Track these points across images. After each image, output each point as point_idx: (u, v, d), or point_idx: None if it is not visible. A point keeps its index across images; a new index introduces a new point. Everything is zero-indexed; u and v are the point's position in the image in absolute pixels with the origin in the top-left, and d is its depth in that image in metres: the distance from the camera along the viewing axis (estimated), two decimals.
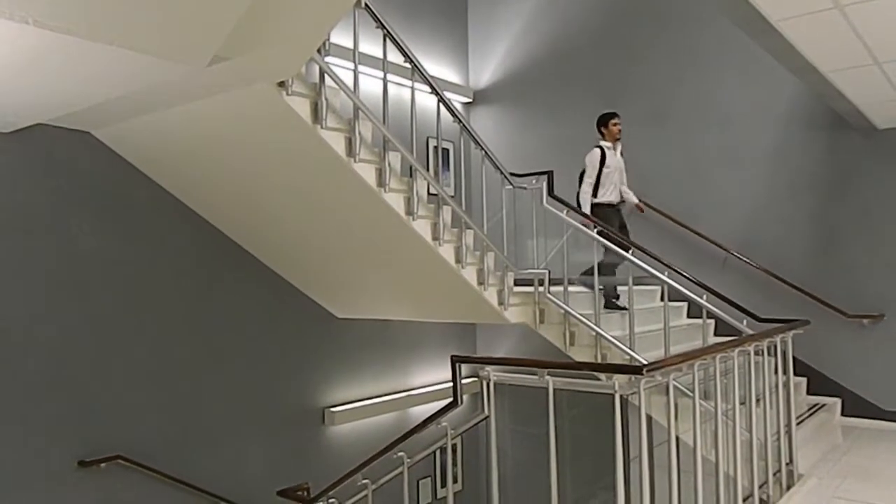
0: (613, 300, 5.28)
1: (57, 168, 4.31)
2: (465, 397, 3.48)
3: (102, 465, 4.38)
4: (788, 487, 3.98)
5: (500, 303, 4.75)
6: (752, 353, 3.68)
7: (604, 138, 5.64)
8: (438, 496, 6.36)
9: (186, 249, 4.95)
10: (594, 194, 5.54)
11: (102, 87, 3.19)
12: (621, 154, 5.74)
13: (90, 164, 4.43)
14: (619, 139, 5.67)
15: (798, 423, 4.48)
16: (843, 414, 5.54)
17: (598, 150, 5.58)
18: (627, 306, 4.65)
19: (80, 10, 2.23)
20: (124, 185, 4.61)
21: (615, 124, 5.62)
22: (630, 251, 4.74)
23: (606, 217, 5.43)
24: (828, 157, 5.77)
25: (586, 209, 5.47)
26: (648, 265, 4.65)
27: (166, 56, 2.61)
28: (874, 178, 5.54)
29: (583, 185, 5.56)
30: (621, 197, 5.70)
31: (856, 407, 5.52)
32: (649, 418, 3.07)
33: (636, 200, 5.89)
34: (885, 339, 5.45)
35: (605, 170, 5.54)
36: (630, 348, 4.52)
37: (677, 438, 3.07)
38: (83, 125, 4.28)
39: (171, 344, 4.84)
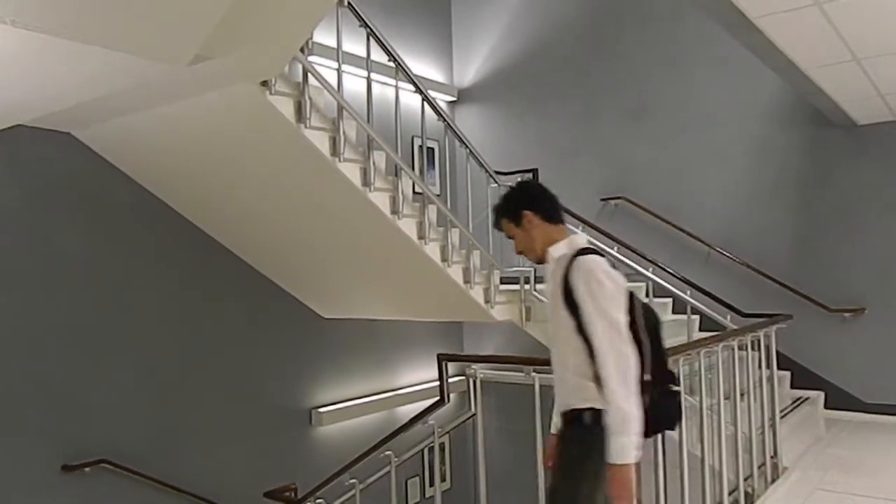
0: None
1: (37, 169, 4.25)
2: (452, 396, 3.49)
3: (87, 469, 4.33)
4: (773, 480, 4.03)
5: (487, 301, 4.76)
6: (736, 348, 3.72)
7: None
8: (427, 495, 6.35)
9: (170, 251, 4.90)
10: None
11: (82, 88, 3.15)
12: None
13: (71, 166, 4.38)
14: None
15: (782, 417, 4.53)
16: (825, 407, 5.60)
17: None
18: None
19: (60, 9, 2.21)
20: (106, 187, 4.56)
21: None
22: None
23: None
24: (809, 154, 5.84)
25: None
26: (633, 262, 4.69)
27: (147, 55, 2.59)
28: (855, 173, 5.61)
29: None
30: None
31: (838, 400, 5.58)
32: None
33: None
34: (866, 332, 5.52)
35: None
36: None
37: (663, 433, 3.09)
38: (64, 126, 4.22)
39: (155, 346, 4.80)
